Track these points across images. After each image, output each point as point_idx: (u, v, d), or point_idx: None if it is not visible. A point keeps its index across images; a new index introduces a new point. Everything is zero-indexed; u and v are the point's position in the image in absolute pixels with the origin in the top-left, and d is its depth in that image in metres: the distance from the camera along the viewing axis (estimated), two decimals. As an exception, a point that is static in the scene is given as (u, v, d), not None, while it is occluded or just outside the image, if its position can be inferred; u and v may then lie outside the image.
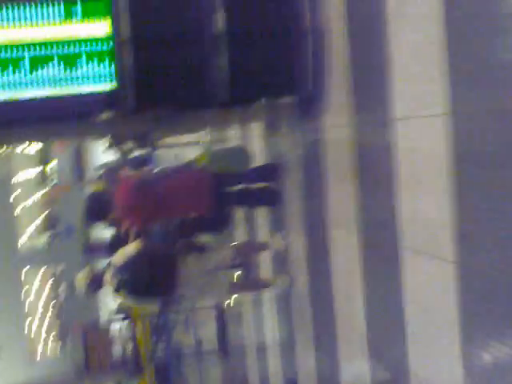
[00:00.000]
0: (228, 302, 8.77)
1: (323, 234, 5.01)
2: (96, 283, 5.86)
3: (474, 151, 2.99)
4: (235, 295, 7.90)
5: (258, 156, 6.14)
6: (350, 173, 4.39)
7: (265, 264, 6.98)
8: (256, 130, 6.70)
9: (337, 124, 4.73)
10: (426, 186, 3.41)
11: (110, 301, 25.39)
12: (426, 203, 3.43)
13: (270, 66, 4.87)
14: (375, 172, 4.09)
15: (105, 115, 5.15)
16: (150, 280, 5.59)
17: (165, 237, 6.07)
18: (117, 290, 5.71)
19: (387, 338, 4.10)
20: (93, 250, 9.16)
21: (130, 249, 5.81)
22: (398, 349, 3.86)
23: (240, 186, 6.78)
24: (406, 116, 3.59)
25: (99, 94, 4.68)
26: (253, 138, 7.01)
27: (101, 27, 4.57)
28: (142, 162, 11.75)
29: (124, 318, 14.95)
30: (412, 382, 3.69)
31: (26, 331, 33.21)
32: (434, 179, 3.30)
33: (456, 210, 3.10)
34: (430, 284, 3.45)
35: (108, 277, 5.73)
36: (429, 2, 3.23)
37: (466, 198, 3.04)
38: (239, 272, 7.70)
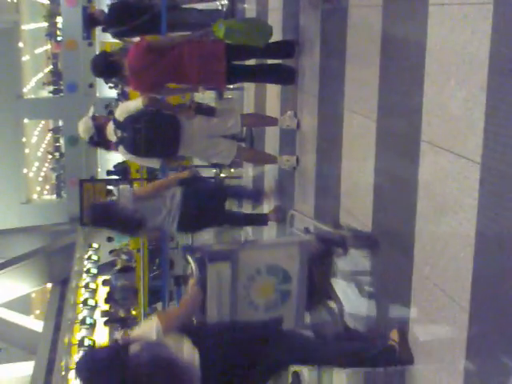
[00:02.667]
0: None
1: (337, 117, 4.88)
2: (98, 135, 5.83)
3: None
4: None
5: (275, 31, 5.86)
6: (373, 58, 4.20)
7: (273, 141, 6.90)
8: (275, 3, 6.38)
9: (363, 3, 4.48)
10: (456, 81, 3.24)
11: (107, 159, 25.62)
12: (453, 98, 3.28)
13: None
14: (401, 59, 3.90)
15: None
16: (148, 141, 5.56)
17: None
18: (117, 144, 5.71)
19: (394, 225, 4.06)
20: None
21: (132, 105, 5.74)
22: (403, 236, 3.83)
23: (255, 61, 6.59)
24: (441, 2, 3.37)
25: None
26: (271, 12, 6.69)
27: None
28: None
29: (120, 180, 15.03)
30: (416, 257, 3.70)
31: (23, 176, 33.83)
32: (466, 74, 3.14)
33: (486, 108, 2.97)
34: (448, 181, 3.35)
35: (110, 129, 5.72)
36: None
37: (499, 99, 2.90)
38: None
